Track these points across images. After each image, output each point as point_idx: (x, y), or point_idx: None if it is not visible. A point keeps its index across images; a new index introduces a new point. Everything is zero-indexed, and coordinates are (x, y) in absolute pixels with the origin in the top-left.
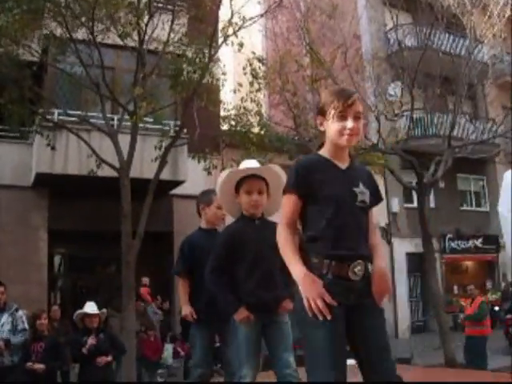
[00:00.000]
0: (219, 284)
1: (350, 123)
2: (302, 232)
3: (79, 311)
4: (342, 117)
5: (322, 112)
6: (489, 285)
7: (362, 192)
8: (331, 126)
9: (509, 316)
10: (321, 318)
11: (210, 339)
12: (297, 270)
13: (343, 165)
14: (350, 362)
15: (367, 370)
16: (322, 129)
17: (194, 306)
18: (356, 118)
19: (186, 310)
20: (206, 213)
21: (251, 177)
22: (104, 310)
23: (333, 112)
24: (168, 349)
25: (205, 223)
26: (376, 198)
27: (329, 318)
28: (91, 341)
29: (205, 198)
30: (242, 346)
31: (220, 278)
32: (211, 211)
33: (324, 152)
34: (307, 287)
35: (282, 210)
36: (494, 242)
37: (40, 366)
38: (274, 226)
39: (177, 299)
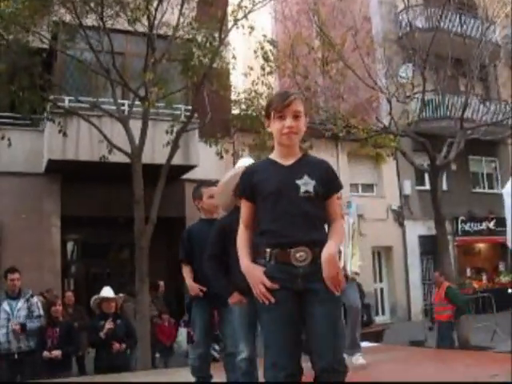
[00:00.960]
0: (215, 270)
1: (288, 122)
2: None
3: (96, 296)
4: (282, 117)
5: (267, 114)
6: (501, 267)
7: (306, 183)
8: (273, 126)
9: None
10: (266, 303)
11: (210, 321)
12: (243, 262)
13: (288, 161)
14: (364, 344)
15: (312, 357)
16: (269, 130)
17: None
18: (295, 117)
19: (194, 288)
20: (202, 206)
21: None
22: (121, 295)
23: (273, 113)
24: (182, 333)
25: (204, 214)
26: (330, 188)
27: (272, 301)
28: (109, 325)
29: (196, 194)
30: (238, 324)
31: (215, 264)
32: (205, 203)
33: (273, 153)
34: (249, 276)
35: (240, 214)
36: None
37: (57, 353)
38: None
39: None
